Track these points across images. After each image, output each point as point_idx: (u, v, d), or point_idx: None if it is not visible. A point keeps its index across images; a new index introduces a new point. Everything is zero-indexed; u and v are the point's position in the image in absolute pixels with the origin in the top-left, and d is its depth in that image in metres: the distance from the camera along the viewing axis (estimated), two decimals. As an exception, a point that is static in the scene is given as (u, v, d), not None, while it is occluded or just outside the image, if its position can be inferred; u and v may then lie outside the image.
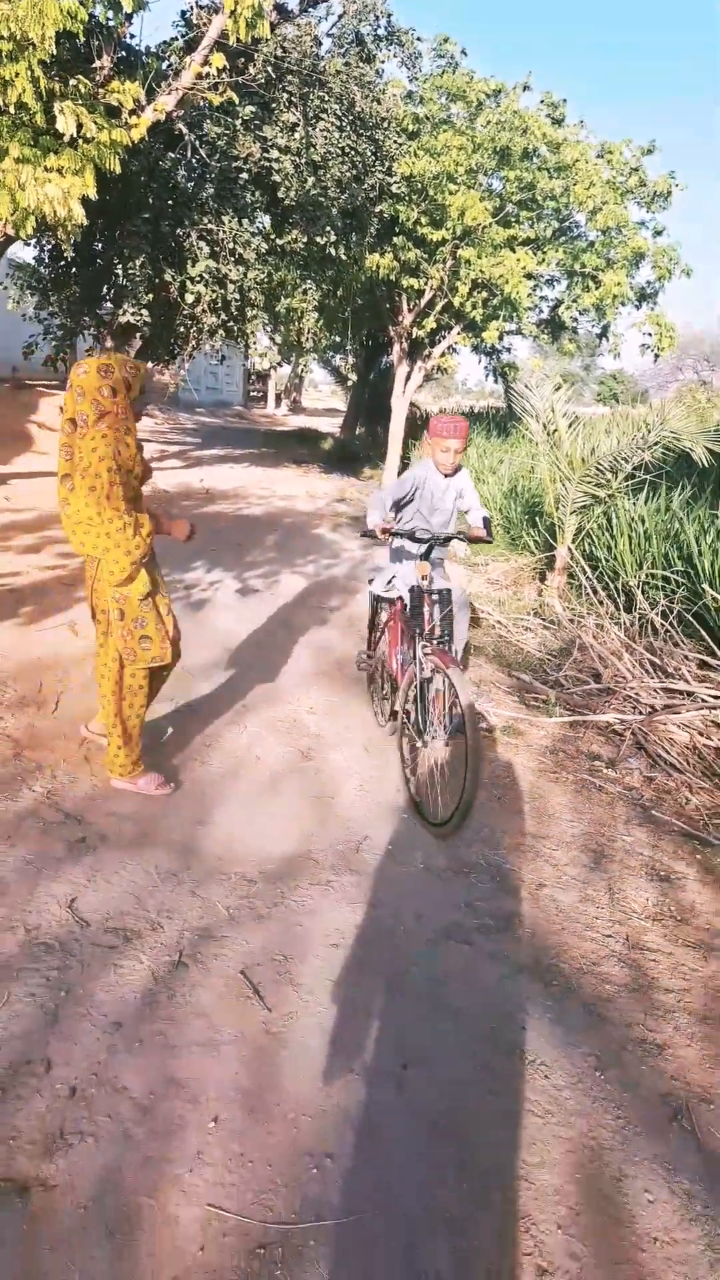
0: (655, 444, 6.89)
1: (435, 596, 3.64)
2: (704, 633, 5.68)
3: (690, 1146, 2.07)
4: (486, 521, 3.94)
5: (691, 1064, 2.35)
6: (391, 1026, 2.32)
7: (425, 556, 3.71)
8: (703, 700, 4.74)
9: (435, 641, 3.55)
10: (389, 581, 4.18)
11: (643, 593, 6.09)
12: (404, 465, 14.89)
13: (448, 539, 3.78)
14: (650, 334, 12.72)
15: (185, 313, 9.86)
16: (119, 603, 3.12)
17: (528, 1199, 1.87)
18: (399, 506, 4.05)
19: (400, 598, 4.00)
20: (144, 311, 8.89)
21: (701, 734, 4.55)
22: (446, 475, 4.01)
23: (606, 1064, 2.30)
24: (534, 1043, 2.34)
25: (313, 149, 8.99)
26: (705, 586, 5.77)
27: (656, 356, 13.43)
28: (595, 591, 6.30)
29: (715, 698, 4.74)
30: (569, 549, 7.30)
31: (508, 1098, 2.14)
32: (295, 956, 2.54)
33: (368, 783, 3.77)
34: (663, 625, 5.66)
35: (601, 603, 6.15)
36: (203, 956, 2.48)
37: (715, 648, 5.41)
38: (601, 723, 4.76)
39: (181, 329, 10.36)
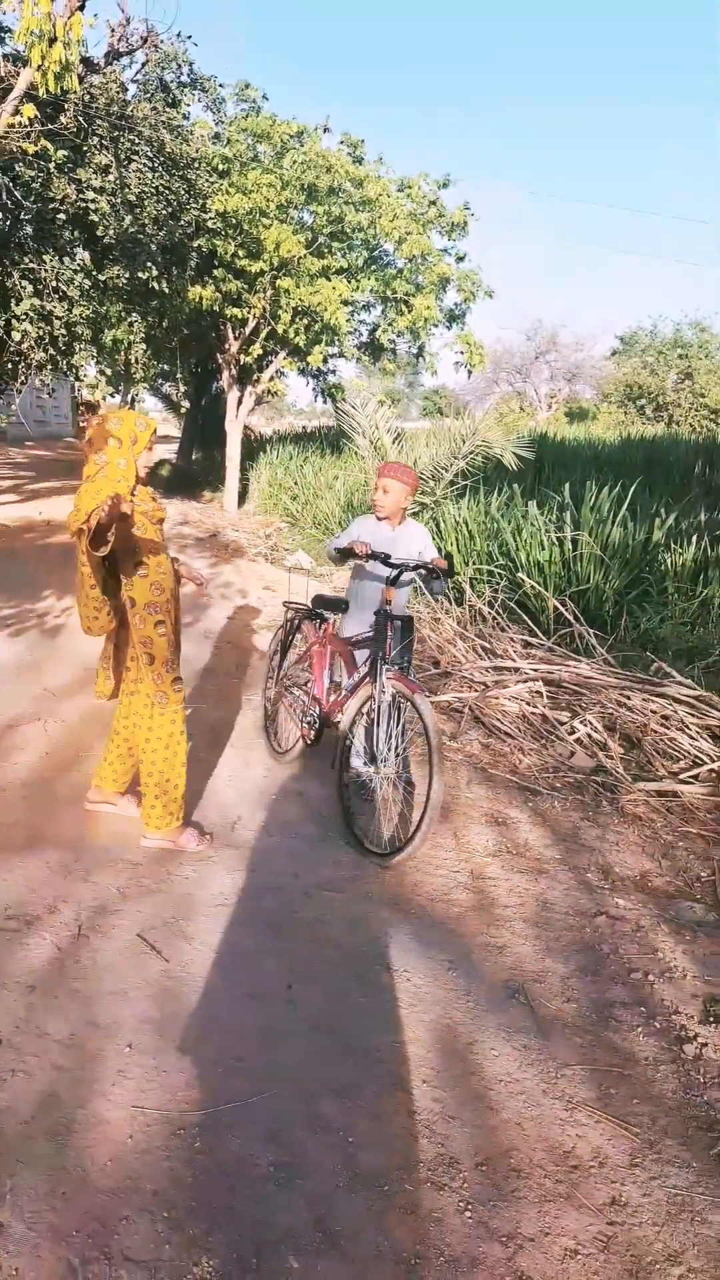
0: (470, 454, 7.63)
1: (398, 623, 3.57)
2: (525, 617, 6.41)
3: (526, 1014, 2.57)
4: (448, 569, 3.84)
5: (526, 957, 2.86)
6: (277, 960, 2.70)
7: (392, 583, 3.61)
8: (527, 674, 5.39)
9: (395, 667, 3.48)
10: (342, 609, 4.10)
11: (471, 586, 6.76)
12: (244, 487, 15.25)
13: (418, 567, 3.68)
14: (461, 353, 13.73)
15: (12, 350, 9.85)
16: (146, 647, 3.13)
17: (398, 1066, 2.30)
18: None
19: (335, 620, 4.08)
20: (-32, 350, 8.84)
21: (528, 704, 5.19)
22: (387, 520, 3.88)
23: (457, 964, 2.77)
24: (397, 957, 2.78)
25: (127, 189, 9.26)
26: (523, 576, 6.50)
27: (469, 373, 14.49)
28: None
29: (536, 671, 5.41)
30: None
31: (378, 998, 2.57)
32: (186, 918, 2.87)
33: (236, 772, 4.13)
34: (490, 614, 6.34)
35: (436, 598, 6.75)
36: (101, 927, 2.77)
37: (535, 629, 6.13)
38: (443, 703, 5.30)
39: (9, 365, 10.32)
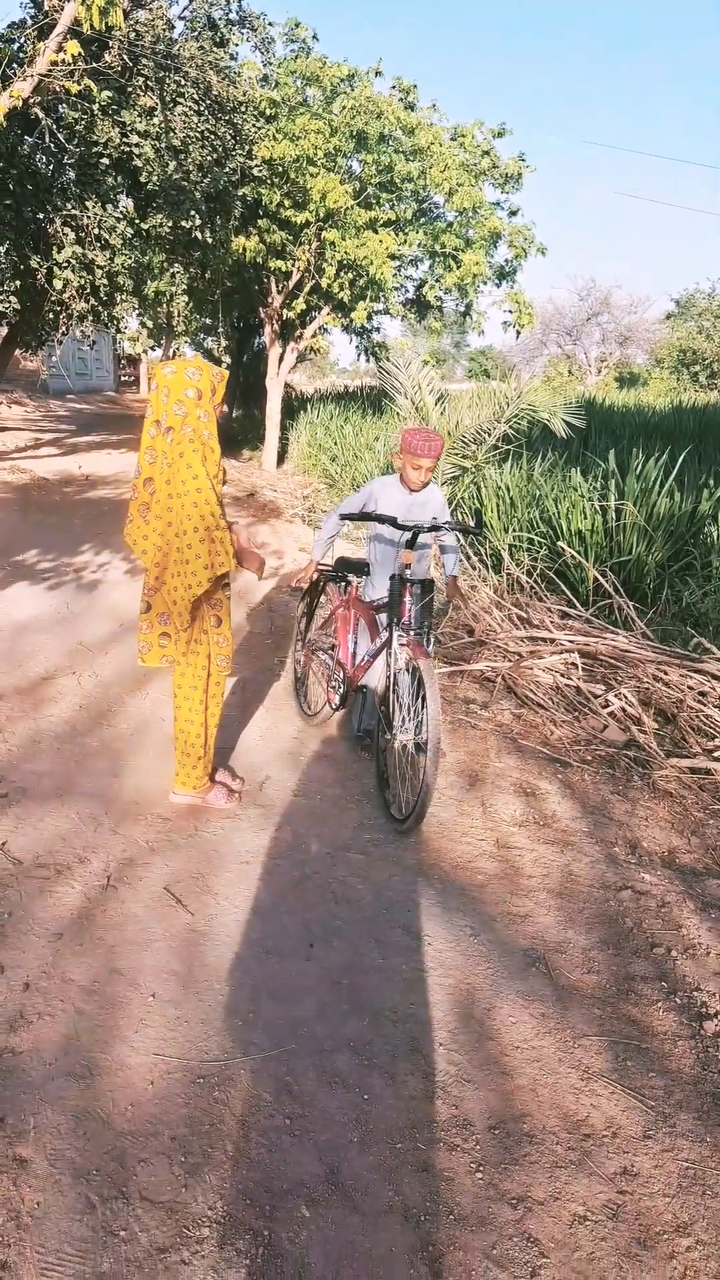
0: (514, 417, 7.48)
1: (416, 587, 3.47)
2: (564, 587, 6.32)
3: (546, 983, 2.57)
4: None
5: (548, 927, 2.86)
6: (299, 918, 2.74)
7: (410, 545, 3.57)
8: (563, 645, 5.33)
9: (411, 632, 3.43)
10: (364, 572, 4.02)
11: (510, 554, 6.67)
12: (283, 446, 15.16)
13: (434, 528, 3.60)
14: (510, 311, 13.40)
15: (53, 299, 9.83)
16: (215, 608, 3.12)
17: (415, 1028, 2.32)
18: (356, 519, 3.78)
19: (359, 583, 4.02)
20: (12, 299, 8.85)
21: (563, 675, 5.14)
22: (413, 491, 3.80)
23: (479, 931, 2.78)
24: (419, 921, 2.80)
25: (172, 133, 9.11)
26: (564, 545, 6.39)
27: (518, 334, 14.16)
28: (468, 556, 6.83)
29: (573, 642, 5.35)
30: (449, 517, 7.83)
31: (397, 960, 2.59)
32: (211, 873, 2.92)
33: (267, 732, 4.15)
34: (528, 582, 6.26)
35: (474, 566, 6.69)
36: (129, 880, 2.82)
37: (574, 600, 6.04)
38: (476, 671, 5.27)
39: (50, 315, 10.31)
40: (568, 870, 3.22)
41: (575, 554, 6.35)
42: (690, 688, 4.70)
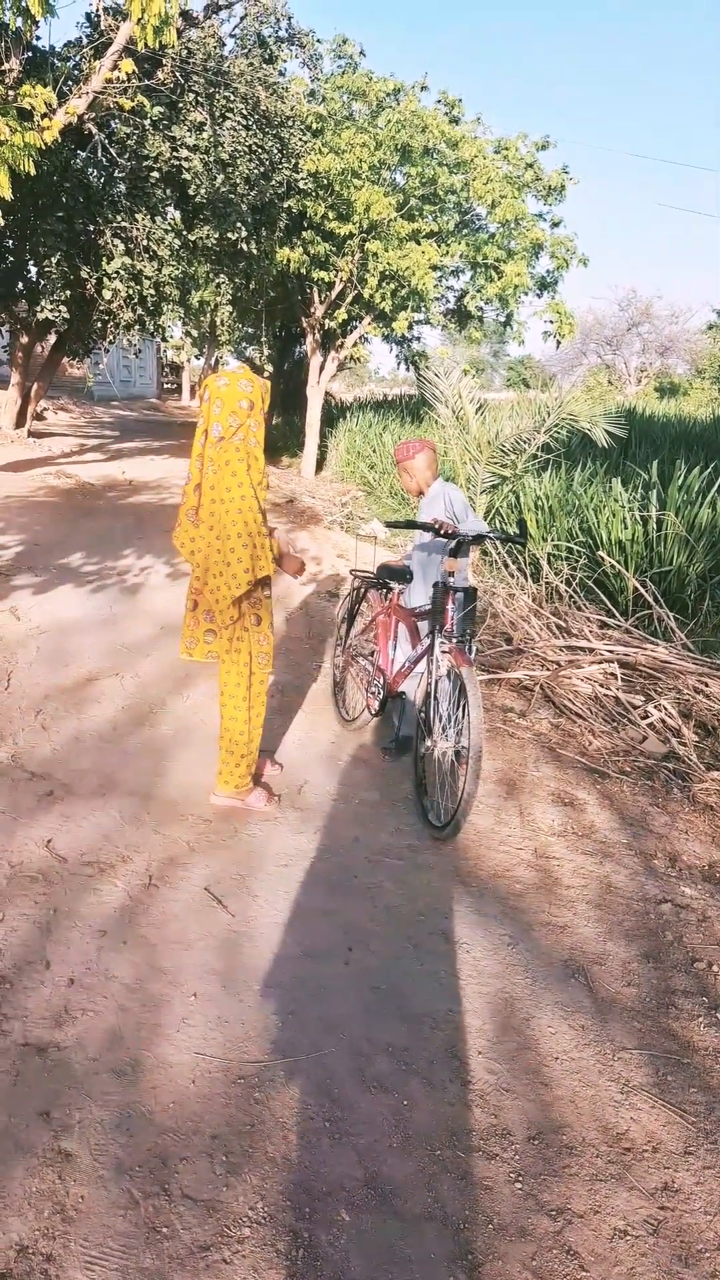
0: (554, 426, 7.44)
1: (460, 595, 3.49)
2: (603, 596, 6.27)
3: (585, 995, 2.55)
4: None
5: (588, 938, 2.84)
6: (337, 921, 2.75)
7: (454, 553, 3.55)
8: (602, 654, 5.29)
9: (454, 640, 3.44)
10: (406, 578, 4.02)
11: (549, 563, 6.63)
12: (322, 454, 15.25)
13: (478, 538, 3.66)
14: (551, 321, 13.38)
15: (101, 308, 10.02)
16: (255, 607, 3.17)
17: (453, 1034, 2.32)
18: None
19: (400, 590, 4.02)
20: (62, 308, 9.03)
21: (602, 685, 5.10)
22: (416, 496, 4.01)
23: (517, 940, 2.77)
24: (456, 928, 2.80)
25: (220, 147, 9.26)
26: (603, 555, 6.35)
27: (559, 343, 14.13)
28: (506, 564, 6.82)
29: (612, 652, 5.30)
30: (476, 517, 7.82)
31: (435, 966, 2.59)
32: (251, 875, 2.94)
33: (306, 736, 4.18)
34: (567, 591, 6.22)
35: (512, 574, 6.66)
36: (171, 879, 2.86)
37: (613, 609, 5.99)
38: (513, 680, 5.25)
39: (98, 324, 10.51)
40: (607, 882, 3.19)
41: (615, 563, 6.30)
42: (733, 701, 4.63)
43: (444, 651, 3.41)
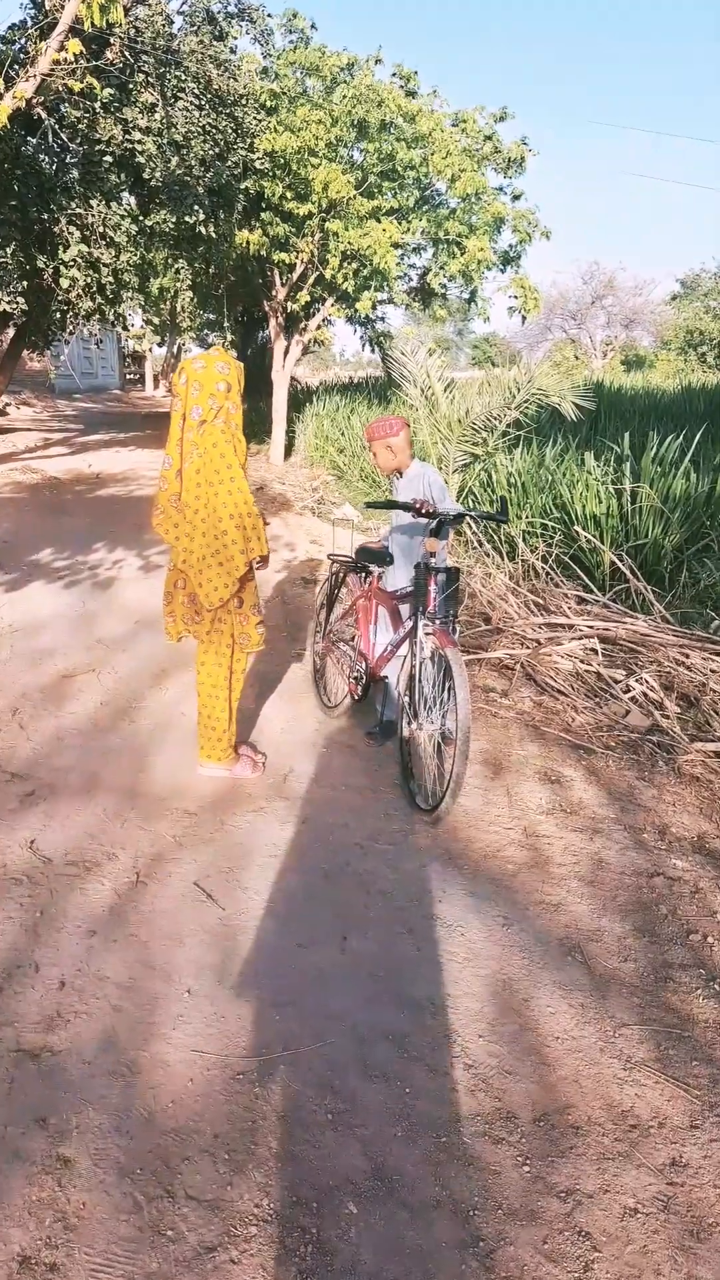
0: (524, 402, 7.40)
1: (441, 575, 3.44)
2: (580, 572, 6.26)
3: (583, 973, 2.54)
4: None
5: (582, 915, 2.83)
6: (330, 909, 2.72)
7: (434, 534, 3.48)
8: (581, 630, 5.29)
9: (436, 621, 3.39)
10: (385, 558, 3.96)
11: (524, 540, 6.61)
12: (290, 439, 15.10)
13: (459, 517, 3.61)
14: (515, 297, 13.29)
15: (60, 298, 9.81)
16: (237, 590, 3.20)
17: (453, 1019, 2.30)
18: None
19: (379, 574, 3.98)
20: (19, 300, 8.83)
21: (583, 661, 5.10)
22: (391, 476, 3.98)
23: (513, 921, 2.75)
24: (451, 911, 2.78)
25: (174, 129, 9.06)
26: (578, 530, 6.34)
27: (524, 319, 14.05)
28: (482, 543, 6.79)
29: (591, 627, 5.30)
30: (453, 502, 7.78)
31: (431, 951, 2.57)
32: (240, 867, 2.90)
33: (288, 724, 4.13)
34: (544, 569, 6.20)
35: (488, 553, 6.64)
36: (158, 875, 2.81)
37: (590, 585, 5.99)
38: (494, 659, 5.23)
39: (57, 315, 10.30)
40: (598, 857, 3.19)
41: (590, 538, 6.29)
42: (713, 670, 4.65)
43: (427, 634, 3.37)
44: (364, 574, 4.10)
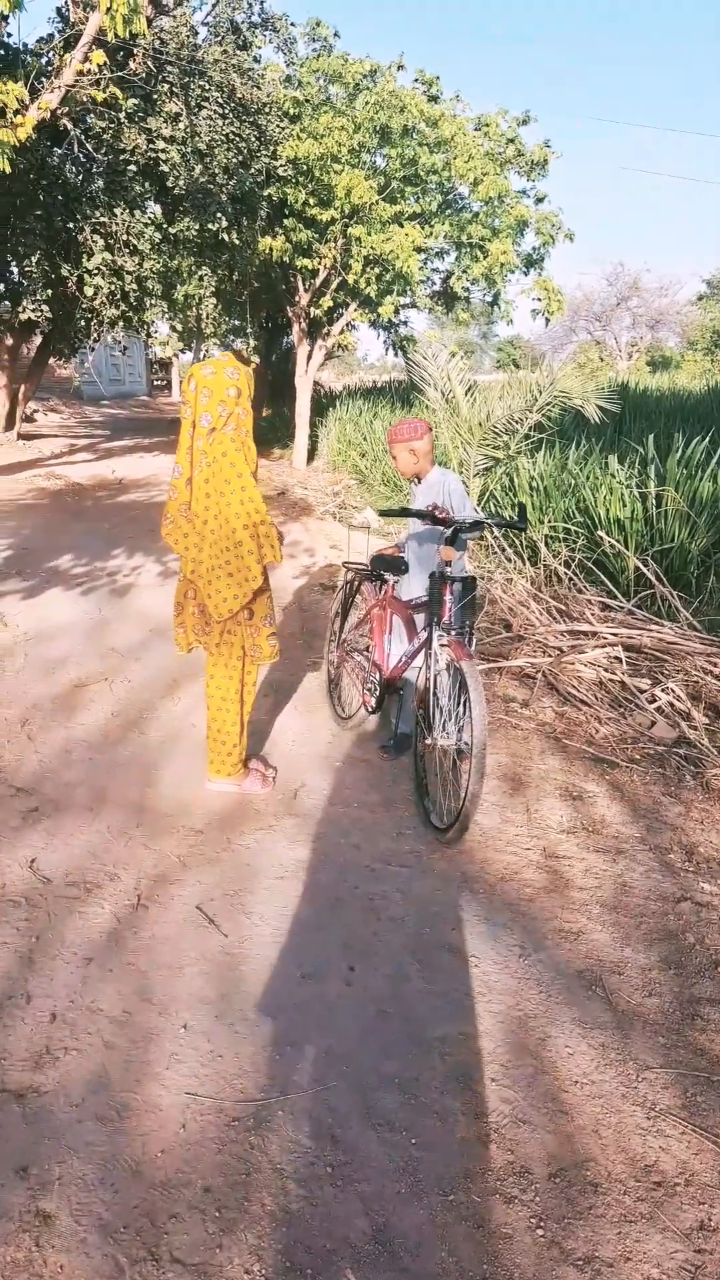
0: (546, 405, 7.24)
1: (457, 585, 3.32)
2: (604, 577, 6.09)
3: (604, 1009, 2.39)
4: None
5: (603, 944, 2.68)
6: (338, 937, 2.59)
7: (451, 542, 3.36)
8: (605, 638, 5.12)
9: (452, 632, 3.27)
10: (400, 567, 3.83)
11: (546, 545, 6.45)
12: (313, 444, 15.04)
13: (475, 525, 3.45)
14: (539, 299, 13.14)
15: (84, 306, 9.83)
16: (248, 602, 3.10)
17: (465, 1060, 2.16)
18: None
19: (395, 582, 3.85)
20: (44, 308, 8.84)
21: (606, 670, 4.93)
22: (410, 481, 3.85)
23: (529, 951, 2.61)
24: (464, 940, 2.64)
25: (198, 137, 9.04)
26: (602, 534, 6.17)
27: (547, 321, 13.89)
28: (503, 549, 6.64)
29: (615, 635, 5.13)
30: (475, 510, 7.64)
31: (443, 984, 2.43)
32: (246, 890, 2.78)
33: (301, 736, 4.02)
34: (566, 574, 6.04)
35: (509, 558, 6.49)
36: (160, 898, 2.70)
37: (614, 590, 5.82)
38: (514, 668, 5.08)
39: (82, 322, 10.32)
40: (621, 881, 3.03)
41: (615, 543, 6.11)
42: (745, 682, 4.47)
43: (442, 645, 3.25)
44: (379, 582, 3.98)
